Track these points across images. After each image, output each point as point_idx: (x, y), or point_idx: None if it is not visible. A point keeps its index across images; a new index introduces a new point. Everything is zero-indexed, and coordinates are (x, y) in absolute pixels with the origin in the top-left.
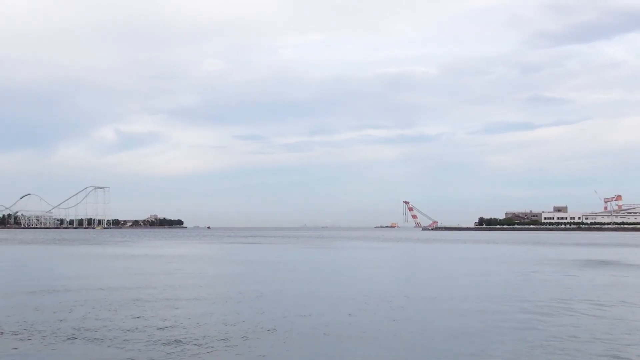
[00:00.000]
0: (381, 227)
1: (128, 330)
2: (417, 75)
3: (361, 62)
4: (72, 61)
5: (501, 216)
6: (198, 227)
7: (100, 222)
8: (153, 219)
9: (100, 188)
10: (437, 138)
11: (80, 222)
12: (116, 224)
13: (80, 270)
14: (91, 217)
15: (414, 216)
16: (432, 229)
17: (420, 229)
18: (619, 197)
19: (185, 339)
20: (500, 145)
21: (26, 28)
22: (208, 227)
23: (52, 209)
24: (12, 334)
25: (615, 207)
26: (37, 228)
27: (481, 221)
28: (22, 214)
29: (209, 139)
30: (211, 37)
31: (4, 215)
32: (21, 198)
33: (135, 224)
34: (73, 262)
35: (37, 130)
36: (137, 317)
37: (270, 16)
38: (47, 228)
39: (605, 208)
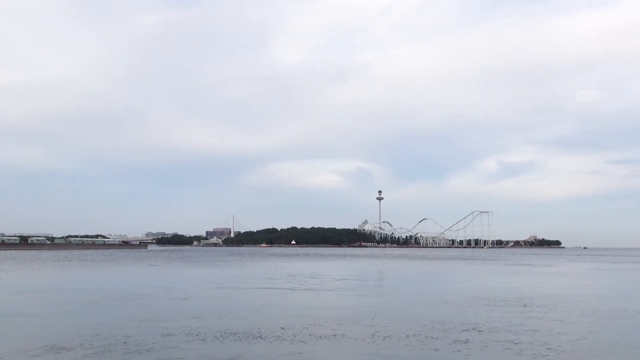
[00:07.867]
0: None
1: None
2: None
3: None
4: (463, 103)
5: None
6: (579, 247)
7: (486, 242)
8: (533, 240)
9: (485, 212)
10: None
11: (469, 242)
12: (499, 244)
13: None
14: (477, 237)
15: None
16: None
17: None
18: None
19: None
20: None
21: (430, 80)
22: (584, 248)
23: (445, 230)
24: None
25: None
26: (433, 247)
27: None
28: (420, 235)
29: (584, 165)
30: (583, 70)
31: (407, 237)
32: (420, 222)
33: (517, 244)
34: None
35: (434, 163)
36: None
37: None
38: (440, 247)
39: None
